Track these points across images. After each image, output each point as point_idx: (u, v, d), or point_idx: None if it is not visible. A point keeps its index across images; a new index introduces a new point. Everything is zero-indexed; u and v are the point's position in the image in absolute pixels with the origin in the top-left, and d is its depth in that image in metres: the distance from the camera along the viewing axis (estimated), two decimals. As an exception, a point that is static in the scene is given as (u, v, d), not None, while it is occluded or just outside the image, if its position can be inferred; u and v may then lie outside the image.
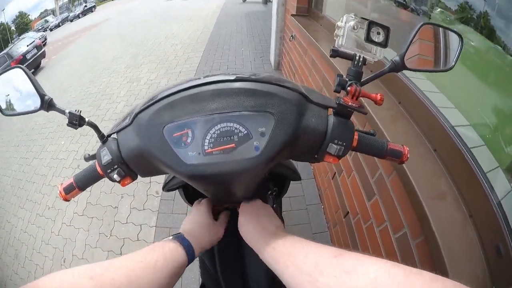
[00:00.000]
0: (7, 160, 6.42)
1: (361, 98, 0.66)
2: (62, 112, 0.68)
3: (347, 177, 2.06)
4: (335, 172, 2.41)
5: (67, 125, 0.68)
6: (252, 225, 0.77)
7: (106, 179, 0.74)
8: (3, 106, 0.76)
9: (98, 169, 0.72)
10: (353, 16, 0.66)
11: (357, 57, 0.65)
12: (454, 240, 1.10)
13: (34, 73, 13.16)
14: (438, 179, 1.29)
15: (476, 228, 1.14)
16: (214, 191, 0.81)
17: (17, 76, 0.73)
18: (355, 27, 0.65)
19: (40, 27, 43.53)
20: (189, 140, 0.63)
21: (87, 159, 0.75)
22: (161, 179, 3.02)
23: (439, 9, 1.69)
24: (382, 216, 1.55)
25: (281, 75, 5.18)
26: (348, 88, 0.65)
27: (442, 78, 1.48)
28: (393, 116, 1.57)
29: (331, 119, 0.68)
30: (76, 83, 8.26)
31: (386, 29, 0.64)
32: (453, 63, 0.74)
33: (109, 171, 0.70)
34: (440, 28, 0.76)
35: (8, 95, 0.77)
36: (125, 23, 16.16)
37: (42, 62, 14.35)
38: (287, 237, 0.66)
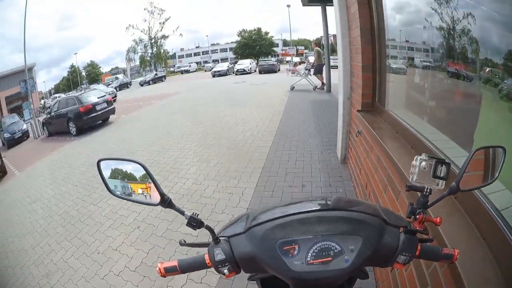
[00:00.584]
0: (62, 193, 6.93)
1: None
2: (181, 213, 0.92)
3: (405, 270, 2.12)
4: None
5: (186, 225, 0.93)
6: None
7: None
8: (119, 191, 1.01)
9: (208, 262, 0.94)
10: (425, 157, 0.94)
11: (425, 190, 0.94)
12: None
13: (102, 125, 14.55)
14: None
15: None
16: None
17: (135, 168, 0.98)
18: (426, 167, 0.94)
19: (110, 82, 46.67)
20: (295, 253, 0.85)
21: (183, 245, 0.98)
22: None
23: (488, 69, 1.82)
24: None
25: (347, 169, 5.34)
26: (417, 216, 0.92)
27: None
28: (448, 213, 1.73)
29: (402, 236, 0.92)
30: (144, 148, 8.91)
31: (448, 165, 0.93)
32: (497, 175, 0.95)
33: (220, 266, 0.91)
34: (490, 149, 0.98)
35: (125, 180, 1.02)
36: (195, 100, 17.36)
37: (110, 117, 15.55)
38: None
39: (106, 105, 15.05)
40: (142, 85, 42.55)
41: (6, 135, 19.98)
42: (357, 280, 1.20)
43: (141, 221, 4.75)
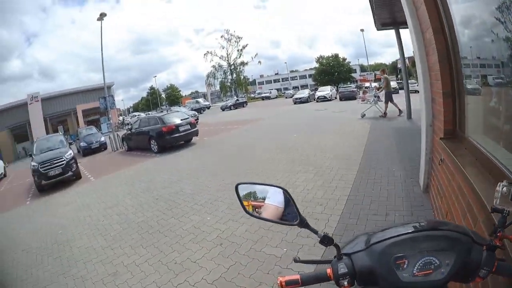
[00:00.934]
0: (141, 204, 7.25)
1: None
2: (315, 232, 1.12)
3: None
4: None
5: (319, 242, 1.09)
6: None
7: None
8: (256, 213, 1.27)
9: (330, 275, 1.07)
10: (505, 183, 1.08)
11: (505, 211, 1.07)
12: None
13: (185, 145, 15.23)
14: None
15: None
16: None
17: (277, 192, 1.20)
18: (506, 192, 1.07)
19: (191, 105, 48.98)
20: (405, 266, 1.00)
21: (297, 261, 1.12)
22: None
23: None
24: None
25: (429, 198, 5.18)
26: (498, 234, 1.09)
27: None
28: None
29: (484, 253, 1.03)
30: (228, 171, 9.05)
31: None
32: None
33: (341, 279, 1.04)
34: None
35: (263, 201, 1.25)
36: (277, 126, 17.68)
37: (193, 139, 16.14)
38: None
39: (189, 126, 15.58)
40: (223, 110, 44.29)
41: (83, 144, 22.12)
42: None
43: (224, 238, 4.78)
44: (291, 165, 8.53)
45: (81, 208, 8.21)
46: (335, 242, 1.09)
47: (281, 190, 1.16)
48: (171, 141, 14.79)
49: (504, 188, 1.07)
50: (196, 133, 16.11)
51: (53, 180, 11.75)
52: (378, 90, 17.54)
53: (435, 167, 4.91)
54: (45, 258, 5.46)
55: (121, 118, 54.24)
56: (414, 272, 0.99)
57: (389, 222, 4.66)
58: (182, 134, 15.08)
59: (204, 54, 70.15)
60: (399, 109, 15.06)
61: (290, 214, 1.19)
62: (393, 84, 30.27)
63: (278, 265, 3.85)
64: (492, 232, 1.10)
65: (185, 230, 5.30)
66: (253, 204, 1.28)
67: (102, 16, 21.81)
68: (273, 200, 1.22)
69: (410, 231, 1.06)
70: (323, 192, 6.13)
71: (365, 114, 15.72)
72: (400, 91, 27.01)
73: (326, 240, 1.08)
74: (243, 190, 1.30)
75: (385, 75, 16.28)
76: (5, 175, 21.89)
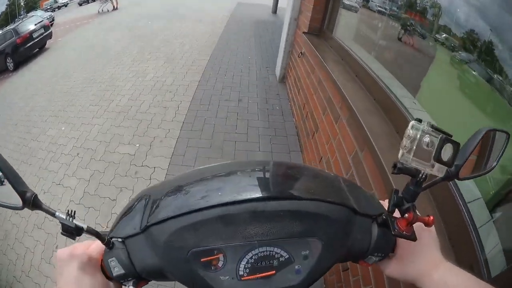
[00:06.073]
0: (3, 137, 6.34)
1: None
2: (52, 214, 0.54)
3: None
4: (322, 157, 2.80)
5: (61, 233, 0.54)
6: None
7: None
8: None
9: (107, 275, 0.60)
10: (427, 128, 0.55)
11: (420, 175, 0.57)
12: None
13: (39, 53, 13.09)
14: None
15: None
16: None
17: None
18: (429, 145, 0.55)
19: (48, 7, 42.77)
20: (220, 264, 0.55)
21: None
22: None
23: (444, 35, 1.82)
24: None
25: (285, 88, 5.25)
26: (406, 214, 0.59)
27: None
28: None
29: (375, 231, 0.63)
30: (80, 69, 8.13)
31: (457, 145, 0.55)
32: (495, 163, 0.67)
33: (122, 281, 0.60)
34: (491, 132, 0.66)
35: None
36: (135, 15, 15.93)
37: (47, 43, 14.04)
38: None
39: (43, 30, 13.73)
40: (80, 5, 37.21)
41: None
42: None
43: (79, 146, 4.48)
44: (142, 54, 8.00)
45: None
46: (87, 227, 0.55)
47: None
48: (26, 52, 12.74)
49: (427, 138, 0.54)
50: (50, 36, 14.16)
51: None
52: None
53: (294, 60, 4.91)
54: None
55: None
56: (241, 274, 0.55)
57: (242, 108, 4.69)
58: (36, 41, 13.15)
59: None
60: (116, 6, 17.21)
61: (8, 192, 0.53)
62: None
63: (134, 163, 3.76)
64: (394, 205, 0.61)
65: (44, 150, 4.84)
66: None
67: None
68: None
69: (220, 202, 0.56)
70: (172, 79, 5.91)
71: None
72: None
73: (69, 229, 0.53)
74: None
75: None
76: None
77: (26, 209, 0.52)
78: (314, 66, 3.54)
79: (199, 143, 4.02)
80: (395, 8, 2.54)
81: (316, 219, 0.57)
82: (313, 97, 3.44)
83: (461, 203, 1.31)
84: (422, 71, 2.10)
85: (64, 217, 0.53)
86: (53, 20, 23.21)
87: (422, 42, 2.10)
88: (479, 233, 1.22)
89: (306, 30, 4.23)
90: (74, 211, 0.54)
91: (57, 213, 0.53)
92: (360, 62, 2.72)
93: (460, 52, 1.66)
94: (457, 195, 1.34)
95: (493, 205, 1.30)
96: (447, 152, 0.54)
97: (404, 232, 0.59)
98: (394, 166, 0.55)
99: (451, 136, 0.54)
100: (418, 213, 0.60)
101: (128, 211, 0.64)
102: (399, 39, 2.39)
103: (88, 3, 37.91)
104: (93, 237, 0.57)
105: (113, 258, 0.58)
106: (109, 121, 4.68)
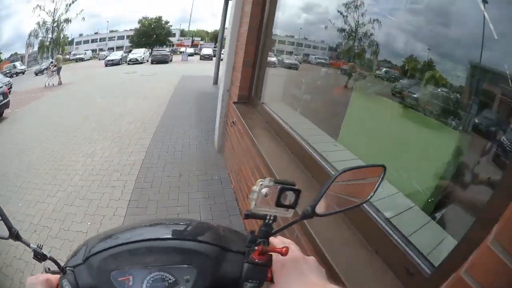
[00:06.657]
0: None
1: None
2: (27, 245, 0.81)
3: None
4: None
5: (33, 258, 0.81)
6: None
7: None
8: None
9: None
10: (268, 183, 0.72)
11: (267, 218, 0.76)
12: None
13: None
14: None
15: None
16: None
17: None
18: (267, 194, 0.72)
19: (7, 71, 40.81)
20: (130, 284, 0.77)
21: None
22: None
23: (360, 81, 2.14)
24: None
25: (223, 158, 5.63)
26: (256, 247, 0.77)
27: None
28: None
29: (246, 265, 0.80)
30: (36, 146, 8.12)
31: (298, 192, 0.72)
32: (372, 194, 0.79)
33: None
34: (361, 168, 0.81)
35: None
36: (87, 91, 16.53)
37: (4, 112, 12.78)
38: None
39: (1, 98, 12.44)
40: (37, 74, 36.70)
41: None
42: None
43: (36, 224, 4.43)
44: (91, 133, 8.38)
45: None
46: (50, 256, 0.82)
47: None
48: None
49: (265, 190, 0.72)
50: (7, 105, 12.87)
51: None
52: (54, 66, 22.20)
53: (229, 129, 5.06)
54: None
55: None
56: None
57: (183, 182, 5.05)
58: (-7, 108, 11.85)
59: (33, 8, 54.84)
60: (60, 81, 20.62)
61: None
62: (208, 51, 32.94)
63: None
64: (250, 241, 0.80)
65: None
66: None
67: None
68: None
69: (130, 240, 0.85)
70: (118, 159, 6.26)
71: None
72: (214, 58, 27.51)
73: (39, 255, 0.81)
74: None
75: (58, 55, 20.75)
76: None
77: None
78: (243, 133, 3.66)
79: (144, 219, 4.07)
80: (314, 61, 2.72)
81: (191, 253, 0.82)
82: (244, 162, 3.57)
83: (379, 220, 1.50)
84: (341, 116, 2.31)
85: (36, 247, 0.81)
86: (11, 87, 21.91)
87: (341, 90, 2.32)
88: (408, 239, 1.37)
89: (236, 100, 4.50)
90: (42, 245, 0.83)
91: (31, 245, 0.81)
92: (282, 124, 2.93)
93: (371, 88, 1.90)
94: (373, 215, 1.54)
95: (432, 208, 1.52)
96: (289, 197, 0.73)
97: (257, 260, 0.78)
98: (244, 215, 0.77)
99: (294, 185, 0.73)
100: (274, 246, 0.79)
101: (76, 251, 0.92)
102: (320, 91, 2.60)
103: (43, 74, 37.58)
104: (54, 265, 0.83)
105: (66, 280, 0.81)
106: (62, 200, 4.86)
